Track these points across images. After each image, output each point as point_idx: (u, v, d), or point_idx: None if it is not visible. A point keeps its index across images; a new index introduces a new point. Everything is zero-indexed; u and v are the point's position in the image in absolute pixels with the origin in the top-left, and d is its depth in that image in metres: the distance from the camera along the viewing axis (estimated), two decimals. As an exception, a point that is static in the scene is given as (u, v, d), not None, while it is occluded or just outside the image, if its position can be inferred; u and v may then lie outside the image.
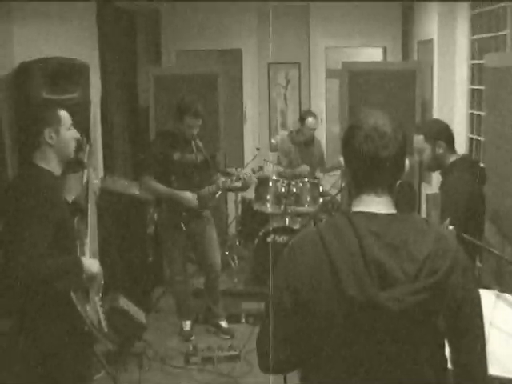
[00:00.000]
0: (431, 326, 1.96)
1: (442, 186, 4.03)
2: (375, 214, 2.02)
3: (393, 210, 2.07)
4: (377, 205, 2.05)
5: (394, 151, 2.03)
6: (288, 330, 2.06)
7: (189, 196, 5.69)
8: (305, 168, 7.56)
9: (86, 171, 3.94)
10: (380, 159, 2.02)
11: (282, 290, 2.04)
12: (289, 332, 2.07)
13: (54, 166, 3.44)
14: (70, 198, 3.99)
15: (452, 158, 4.03)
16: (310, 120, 7.50)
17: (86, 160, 3.87)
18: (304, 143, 7.69)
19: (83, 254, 3.59)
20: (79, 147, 3.65)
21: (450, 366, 2.07)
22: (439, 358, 2.03)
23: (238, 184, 6.00)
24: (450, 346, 2.05)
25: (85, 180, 3.92)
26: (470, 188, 3.79)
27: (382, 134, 2.03)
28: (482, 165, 4.30)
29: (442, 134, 4.06)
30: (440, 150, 4.00)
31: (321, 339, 2.01)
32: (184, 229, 5.83)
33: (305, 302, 2.00)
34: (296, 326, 2.05)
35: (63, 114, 3.54)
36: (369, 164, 2.03)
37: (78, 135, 3.59)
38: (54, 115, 3.51)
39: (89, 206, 3.84)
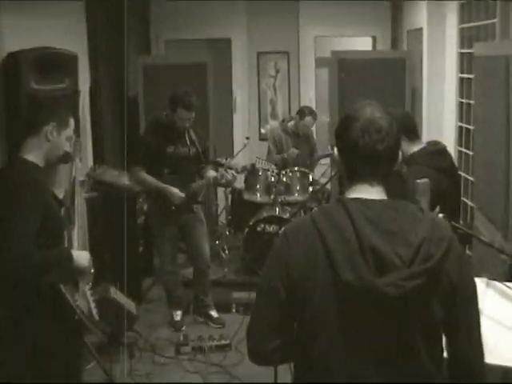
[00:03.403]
0: (427, 312, 1.96)
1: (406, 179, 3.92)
2: (369, 201, 2.02)
3: (385, 198, 2.07)
4: (370, 193, 2.05)
5: (390, 145, 2.04)
6: (279, 318, 2.06)
7: (176, 193, 5.68)
8: (293, 151, 7.54)
9: (73, 163, 3.92)
10: (376, 153, 2.02)
11: (275, 278, 2.04)
12: (280, 321, 2.06)
13: (39, 159, 3.42)
14: (58, 189, 3.98)
15: (412, 150, 3.89)
16: (308, 119, 7.54)
17: (72, 151, 3.86)
18: (296, 134, 7.70)
19: (71, 245, 3.58)
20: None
21: (445, 355, 2.08)
22: (436, 346, 2.03)
23: (222, 181, 6.00)
24: (446, 333, 2.05)
25: (73, 171, 3.91)
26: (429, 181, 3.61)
27: (378, 127, 2.03)
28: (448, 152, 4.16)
29: (400, 124, 3.90)
30: None
31: (315, 327, 2.00)
32: (173, 222, 5.85)
33: (299, 289, 2.00)
34: (288, 314, 2.05)
35: (71, 122, 3.54)
36: (364, 157, 2.03)
37: (69, 149, 3.58)
38: (64, 116, 3.51)
39: (76, 197, 3.83)
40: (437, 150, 3.97)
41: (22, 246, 3.10)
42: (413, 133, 3.93)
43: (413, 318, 1.95)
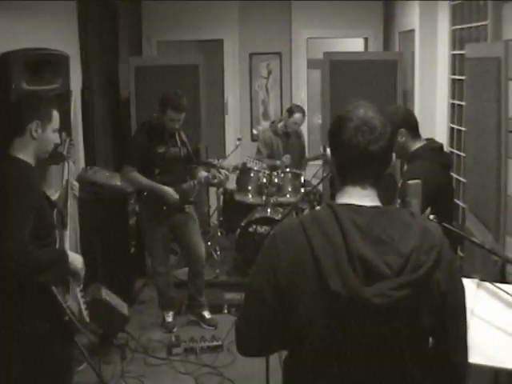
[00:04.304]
0: (415, 321, 1.94)
1: (404, 175, 3.97)
2: (360, 207, 1.99)
3: (377, 203, 2.04)
4: (362, 197, 2.03)
5: (384, 145, 2.01)
6: (267, 321, 2.04)
7: (170, 191, 5.68)
8: (287, 158, 7.54)
9: (65, 164, 3.92)
10: (369, 154, 1.99)
11: (263, 282, 2.02)
12: (267, 323, 2.05)
13: (29, 157, 3.41)
14: (50, 190, 3.98)
15: (415, 146, 3.92)
16: (297, 115, 7.55)
17: (65, 153, 3.86)
18: (286, 134, 7.72)
19: (63, 245, 3.58)
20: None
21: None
22: (423, 354, 2.01)
23: (215, 181, 6.00)
24: (433, 337, 2.03)
25: (65, 173, 3.91)
26: (430, 177, 3.58)
27: (372, 128, 2.00)
28: (446, 150, 4.22)
29: (404, 121, 3.92)
30: (402, 139, 3.88)
31: (303, 333, 1.99)
32: (164, 223, 5.85)
33: (287, 294, 1.97)
34: (276, 317, 2.03)
35: (55, 115, 3.53)
36: (357, 158, 2.01)
37: (58, 141, 3.58)
38: (47, 111, 3.49)
39: (68, 197, 3.83)
40: (437, 147, 4.03)
41: (19, 244, 3.10)
42: (415, 130, 3.98)
43: (400, 327, 1.93)
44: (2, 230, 3.12)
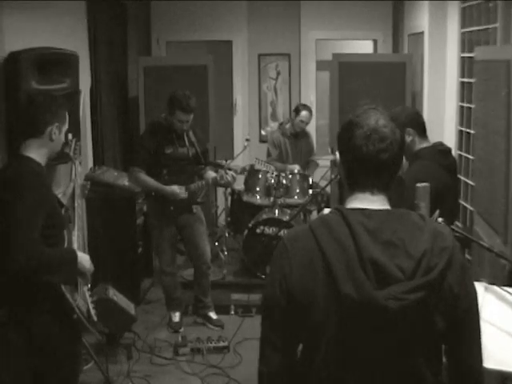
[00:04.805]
0: (428, 324, 1.93)
1: (405, 174, 3.96)
2: (369, 210, 1.97)
3: (387, 207, 2.02)
4: (371, 202, 2.00)
5: (394, 154, 1.99)
6: (283, 331, 2.02)
7: (175, 189, 5.68)
8: (295, 167, 7.56)
9: (73, 165, 3.94)
10: (379, 162, 1.97)
11: (276, 289, 2.00)
12: (284, 333, 2.03)
13: (41, 157, 3.44)
14: (58, 190, 3.99)
15: (420, 146, 3.93)
16: (304, 113, 7.57)
17: (71, 153, 3.88)
18: (294, 135, 7.73)
19: (70, 244, 3.59)
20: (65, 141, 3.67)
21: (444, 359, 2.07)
22: (435, 356, 2.00)
23: (222, 182, 6.01)
24: (447, 343, 2.02)
25: (73, 174, 3.93)
26: (430, 176, 3.52)
27: (382, 136, 1.97)
28: (452, 153, 4.20)
29: (411, 121, 3.92)
30: (409, 138, 3.87)
31: (316, 338, 1.97)
32: (172, 223, 5.85)
33: (299, 300, 1.96)
34: (291, 327, 2.01)
35: (67, 117, 3.59)
36: (367, 166, 1.99)
37: (64, 141, 3.63)
38: (64, 114, 3.57)
39: (76, 199, 3.85)
40: (443, 150, 4.02)
41: (30, 243, 3.12)
42: (423, 130, 3.98)
43: (413, 331, 1.92)
44: (13, 229, 3.13)
